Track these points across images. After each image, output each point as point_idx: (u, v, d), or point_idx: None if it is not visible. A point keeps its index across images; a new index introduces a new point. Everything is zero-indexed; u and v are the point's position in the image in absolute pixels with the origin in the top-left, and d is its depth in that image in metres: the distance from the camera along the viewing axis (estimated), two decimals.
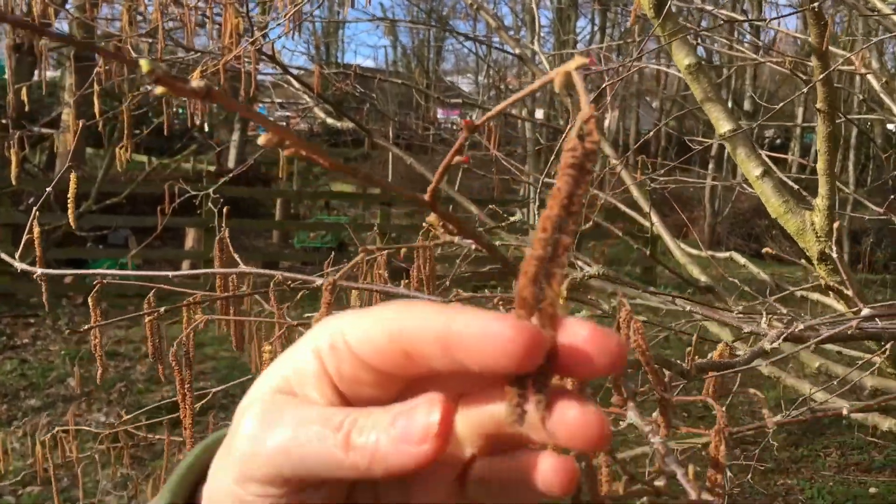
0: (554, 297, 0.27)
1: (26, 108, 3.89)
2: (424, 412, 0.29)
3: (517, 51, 2.54)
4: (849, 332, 0.87)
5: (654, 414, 0.60)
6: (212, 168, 14.92)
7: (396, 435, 0.30)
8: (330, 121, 2.67)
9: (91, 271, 1.02)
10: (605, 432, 0.28)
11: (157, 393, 6.21)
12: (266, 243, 12.86)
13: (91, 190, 7.51)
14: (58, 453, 4.90)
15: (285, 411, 0.32)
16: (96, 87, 2.48)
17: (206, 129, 16.08)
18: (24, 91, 3.93)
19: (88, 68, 10.64)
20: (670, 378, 0.60)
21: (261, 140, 0.31)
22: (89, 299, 0.91)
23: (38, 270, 0.94)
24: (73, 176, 1.29)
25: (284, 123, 26.17)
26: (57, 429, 2.06)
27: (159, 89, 0.27)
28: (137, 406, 5.74)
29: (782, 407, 3.76)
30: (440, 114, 24.63)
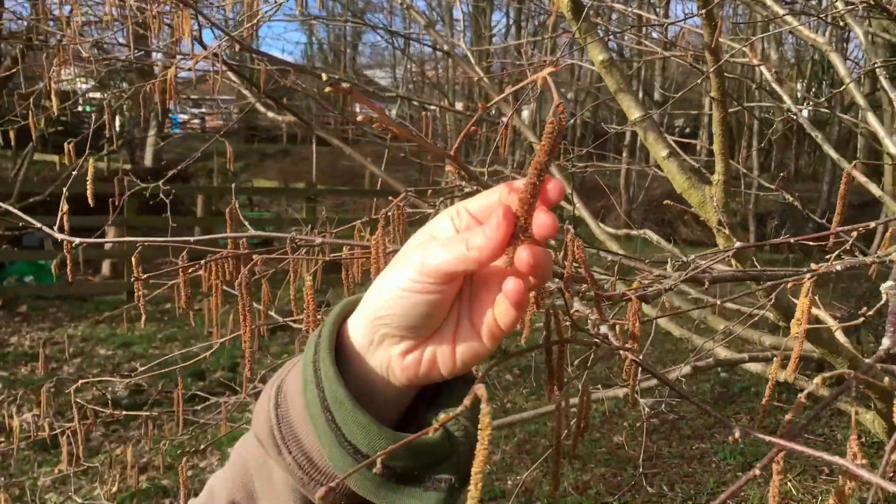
0: (533, 205, 0.47)
1: None
2: (496, 217, 0.52)
3: (445, 47, 2.72)
4: (733, 273, 1.09)
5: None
6: (127, 166, 14.66)
7: (488, 233, 0.53)
8: (271, 115, 2.80)
9: (128, 239, 1.14)
10: (537, 260, 0.52)
11: (88, 392, 6.17)
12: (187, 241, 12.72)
13: (8, 191, 7.36)
14: None
15: (438, 241, 0.57)
16: None
17: (118, 127, 15.74)
18: None
19: None
20: (597, 286, 0.80)
21: (360, 117, 0.48)
22: (133, 258, 1.04)
23: (77, 240, 1.06)
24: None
25: (199, 120, 25.64)
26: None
27: (328, 88, 0.44)
28: (68, 406, 5.72)
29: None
30: (359, 108, 24.58)
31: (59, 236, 1.06)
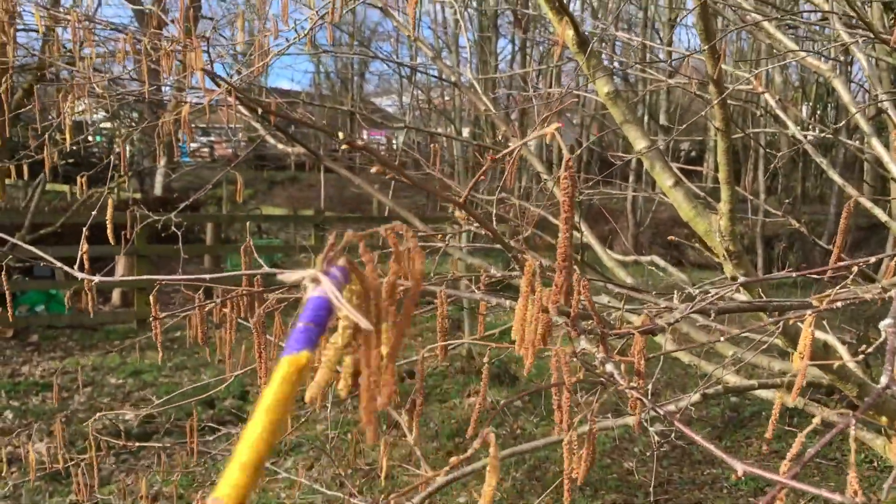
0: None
1: None
2: None
3: (453, 78, 2.76)
4: (739, 304, 1.11)
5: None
6: (137, 196, 14.77)
7: None
8: (281, 146, 2.84)
9: (165, 278, 1.16)
10: None
11: (98, 422, 6.18)
12: (197, 268, 12.78)
13: (19, 221, 7.44)
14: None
15: None
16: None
17: (128, 157, 15.88)
18: None
19: (1, 100, 10.44)
20: (604, 324, 0.82)
21: (373, 169, 0.51)
22: (150, 297, 1.06)
23: (96, 278, 1.08)
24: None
25: (208, 149, 25.83)
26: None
27: (344, 146, 0.46)
28: (79, 435, 5.73)
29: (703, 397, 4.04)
30: (366, 135, 24.79)
31: (79, 275, 1.09)
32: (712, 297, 1.06)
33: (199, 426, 4.82)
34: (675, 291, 1.13)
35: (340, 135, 0.49)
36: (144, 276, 1.15)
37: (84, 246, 1.13)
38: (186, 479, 5.04)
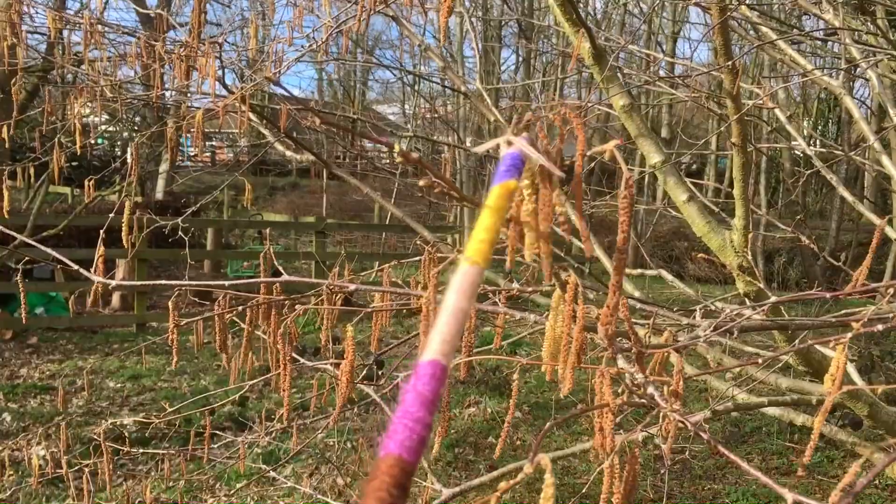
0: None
1: None
2: None
3: (462, 89, 2.76)
4: (762, 322, 1.10)
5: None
6: (138, 199, 14.77)
7: None
8: (289, 153, 2.83)
9: (175, 283, 1.15)
10: None
11: (95, 426, 6.15)
12: (198, 273, 12.76)
13: (20, 223, 7.41)
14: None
15: None
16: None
17: (129, 160, 15.89)
18: None
19: (7, 101, 10.47)
20: (640, 342, 0.81)
21: (422, 182, 0.50)
22: (169, 303, 1.05)
23: (113, 282, 1.07)
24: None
25: (210, 154, 25.84)
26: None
27: (399, 158, 0.46)
28: (77, 440, 5.70)
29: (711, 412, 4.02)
30: (368, 143, 24.82)
31: (96, 279, 1.08)
32: (735, 314, 1.05)
33: (200, 432, 4.80)
34: (698, 308, 1.12)
35: (396, 147, 0.50)
36: (163, 282, 1.14)
37: (100, 249, 1.12)
38: (186, 486, 5.01)
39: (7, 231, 1.41)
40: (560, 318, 0.72)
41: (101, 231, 1.22)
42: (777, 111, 3.06)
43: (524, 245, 0.59)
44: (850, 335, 0.84)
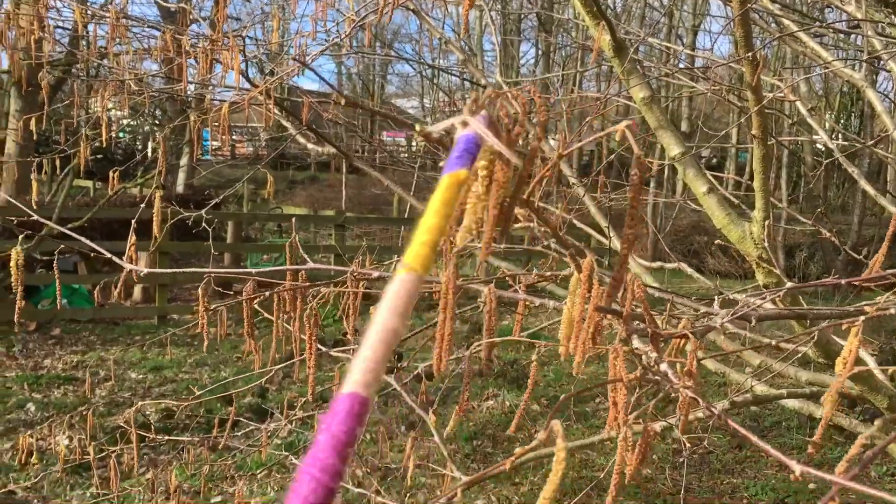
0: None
1: None
2: None
3: (483, 82, 2.77)
4: (779, 311, 1.11)
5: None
6: (160, 192, 14.86)
7: None
8: (311, 146, 2.86)
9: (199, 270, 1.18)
10: None
11: (118, 416, 6.24)
12: (217, 266, 12.86)
13: (44, 215, 7.50)
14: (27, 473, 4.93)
15: None
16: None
17: (149, 153, 16.01)
18: None
19: (32, 95, 10.55)
20: (655, 323, 0.83)
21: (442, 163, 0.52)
22: (199, 289, 1.08)
23: (144, 270, 1.11)
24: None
25: (230, 147, 26.00)
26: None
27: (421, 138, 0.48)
28: (101, 429, 5.78)
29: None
30: (386, 136, 24.89)
31: (129, 266, 1.11)
32: (752, 302, 1.06)
33: (224, 419, 4.86)
34: (716, 297, 1.14)
35: (418, 127, 0.52)
36: (194, 269, 1.16)
37: (132, 238, 1.15)
38: (208, 474, 5.07)
39: (42, 220, 1.44)
40: (577, 301, 0.74)
41: (133, 221, 1.24)
42: (798, 104, 3.05)
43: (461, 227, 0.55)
44: (863, 318, 0.85)
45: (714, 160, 22.15)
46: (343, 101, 2.10)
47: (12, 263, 1.06)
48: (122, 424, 5.59)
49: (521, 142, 0.56)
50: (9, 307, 8.82)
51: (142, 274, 1.12)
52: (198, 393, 6.03)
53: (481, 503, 4.81)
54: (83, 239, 1.26)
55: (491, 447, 5.79)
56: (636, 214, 0.54)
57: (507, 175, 0.55)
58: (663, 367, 0.78)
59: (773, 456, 0.69)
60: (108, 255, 1.17)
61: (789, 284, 1.15)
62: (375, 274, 1.14)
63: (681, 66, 4.90)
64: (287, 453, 5.04)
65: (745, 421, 6.24)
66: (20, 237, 1.82)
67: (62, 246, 1.58)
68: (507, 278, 1.48)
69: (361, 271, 1.12)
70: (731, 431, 5.64)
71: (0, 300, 8.96)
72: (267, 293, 1.21)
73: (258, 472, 5.19)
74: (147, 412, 5.97)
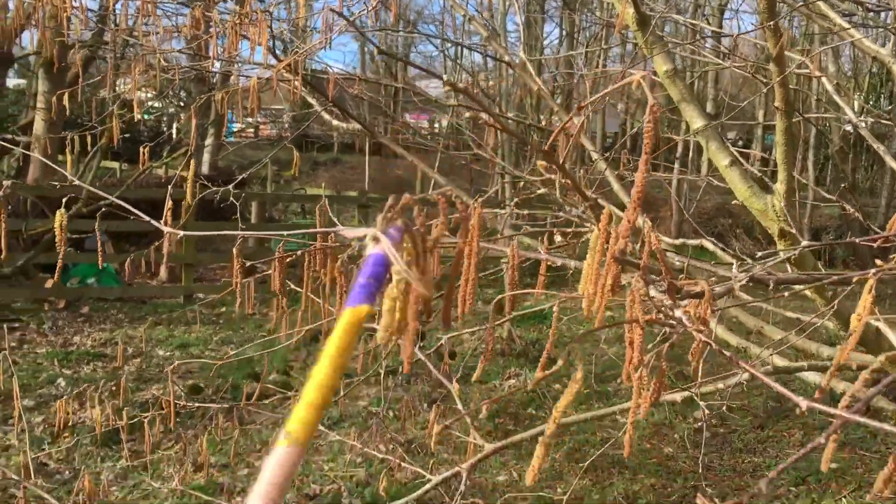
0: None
1: None
2: None
3: (506, 58, 2.79)
4: (797, 276, 1.13)
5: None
6: (185, 173, 15.00)
7: None
8: (336, 122, 2.90)
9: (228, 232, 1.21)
10: None
11: (146, 391, 6.35)
12: (243, 245, 12.97)
13: (71, 195, 7.62)
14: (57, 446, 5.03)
15: None
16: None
17: (175, 134, 16.16)
18: None
19: (60, 76, 10.68)
20: (672, 275, 0.86)
21: (468, 114, 0.55)
22: (234, 249, 1.12)
23: (181, 233, 1.15)
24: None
25: (254, 129, 26.17)
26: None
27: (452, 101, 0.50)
28: (129, 404, 5.89)
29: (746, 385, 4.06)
30: (410, 118, 24.87)
31: (167, 229, 1.15)
32: (770, 264, 1.08)
33: (251, 394, 4.95)
34: (734, 262, 1.15)
35: (444, 77, 0.54)
36: (230, 231, 1.20)
37: (168, 202, 1.19)
38: (229, 448, 5.16)
39: (97, 191, 1.48)
40: (596, 256, 0.76)
41: (169, 191, 1.28)
42: (824, 80, 3.04)
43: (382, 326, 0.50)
44: (875, 272, 0.87)
45: (740, 142, 21.94)
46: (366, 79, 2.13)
47: (56, 224, 1.11)
48: (154, 394, 5.71)
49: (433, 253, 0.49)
50: (38, 285, 9.00)
51: (179, 236, 1.16)
52: (218, 375, 6.11)
53: (503, 479, 4.86)
54: (132, 208, 1.30)
55: (512, 425, 5.84)
56: (649, 156, 0.56)
57: (417, 303, 0.50)
58: (678, 313, 0.81)
59: (781, 392, 0.71)
60: (147, 219, 1.21)
61: (804, 243, 1.17)
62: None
63: (707, 44, 4.87)
64: None
65: (766, 401, 6.24)
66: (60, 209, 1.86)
67: (103, 221, 1.62)
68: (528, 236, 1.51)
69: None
70: (750, 411, 5.59)
71: (29, 279, 9.14)
72: (298, 251, 1.24)
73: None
74: (177, 389, 6.06)
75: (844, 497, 4.46)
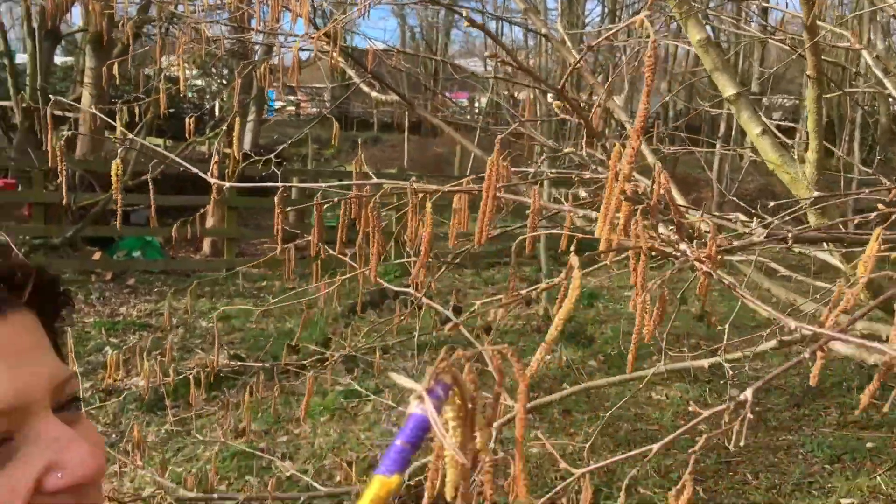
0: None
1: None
2: None
3: (543, 30, 2.81)
4: (817, 234, 1.16)
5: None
6: (227, 150, 15.23)
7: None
8: (374, 94, 2.95)
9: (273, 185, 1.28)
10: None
11: (190, 360, 6.53)
12: (284, 222, 13.14)
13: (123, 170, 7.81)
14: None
15: None
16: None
17: (217, 111, 16.37)
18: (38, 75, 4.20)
19: (107, 52, 10.87)
20: (680, 213, 0.90)
21: (487, 52, 0.60)
22: (276, 198, 1.18)
23: (227, 184, 1.22)
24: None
25: (294, 107, 26.33)
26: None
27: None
28: (174, 373, 6.06)
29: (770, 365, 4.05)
30: (449, 96, 24.85)
31: (217, 182, 1.22)
32: (784, 224, 1.11)
33: (284, 369, 5.07)
34: (754, 219, 1.19)
35: (465, 13, 0.59)
36: (297, 184, 1.26)
37: (215, 157, 1.26)
38: (270, 418, 5.30)
39: (152, 146, 1.56)
40: (607, 193, 0.81)
41: (215, 151, 1.35)
42: (865, 54, 3.01)
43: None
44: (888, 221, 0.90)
45: (785, 121, 21.55)
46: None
47: (112, 172, 1.18)
48: (196, 364, 5.87)
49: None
50: (85, 257, 9.25)
51: (225, 187, 1.22)
52: (260, 348, 6.21)
53: (536, 451, 4.92)
54: (183, 162, 1.37)
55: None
56: (650, 87, 0.60)
57: (465, 473, 0.46)
58: (682, 246, 0.85)
59: (781, 320, 0.75)
60: (196, 171, 1.28)
61: (817, 194, 1.20)
62: (432, 187, 1.22)
63: (752, 21, 4.82)
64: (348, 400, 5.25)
65: (803, 381, 6.20)
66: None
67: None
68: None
69: (420, 187, 1.21)
70: (787, 390, 5.52)
71: (77, 251, 9.40)
72: (335, 199, 1.31)
73: (321, 417, 5.41)
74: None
75: (879, 475, 4.45)
